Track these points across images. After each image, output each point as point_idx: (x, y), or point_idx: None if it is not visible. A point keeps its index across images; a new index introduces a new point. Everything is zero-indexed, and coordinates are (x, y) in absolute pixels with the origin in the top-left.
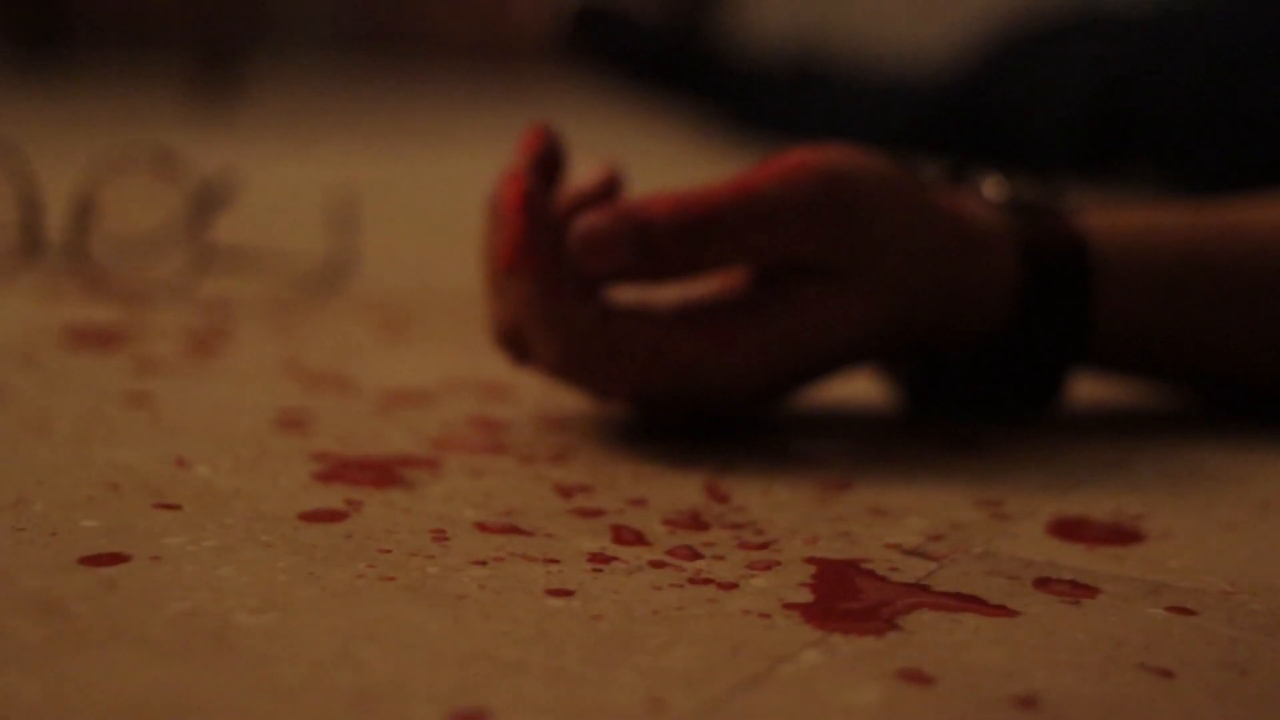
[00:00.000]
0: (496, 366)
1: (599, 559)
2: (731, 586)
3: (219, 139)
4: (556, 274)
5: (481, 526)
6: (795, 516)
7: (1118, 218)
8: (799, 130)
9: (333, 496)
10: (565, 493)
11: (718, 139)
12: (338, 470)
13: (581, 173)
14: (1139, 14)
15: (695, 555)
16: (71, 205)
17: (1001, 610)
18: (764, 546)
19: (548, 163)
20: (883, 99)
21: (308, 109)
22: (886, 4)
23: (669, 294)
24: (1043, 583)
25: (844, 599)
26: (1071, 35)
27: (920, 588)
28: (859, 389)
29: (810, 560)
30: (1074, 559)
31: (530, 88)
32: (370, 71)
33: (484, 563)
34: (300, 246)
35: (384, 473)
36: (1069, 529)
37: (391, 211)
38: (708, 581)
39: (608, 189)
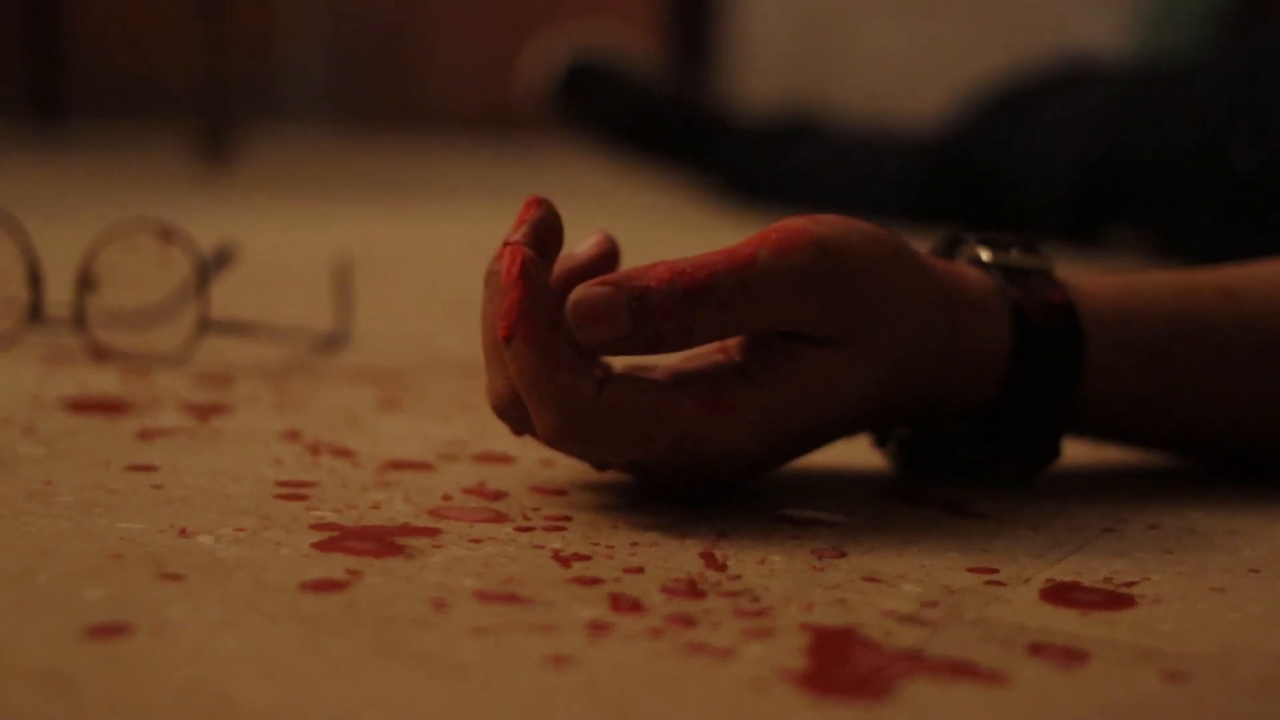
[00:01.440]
0: (495, 435)
1: (597, 627)
2: (728, 654)
3: (219, 206)
4: (554, 344)
5: (481, 595)
6: (791, 584)
7: (1109, 283)
8: (788, 189)
9: (333, 566)
10: (563, 561)
11: (712, 202)
12: (338, 540)
13: (579, 244)
14: (1126, 71)
15: (692, 623)
16: (73, 275)
17: (995, 677)
18: (760, 614)
19: (545, 234)
20: (872, 156)
21: (306, 176)
22: (876, 68)
23: (666, 362)
24: (1036, 649)
25: (839, 666)
26: (1059, 95)
27: (914, 654)
28: (853, 454)
29: (806, 628)
30: (1067, 625)
31: (528, 156)
32: (368, 140)
33: (484, 632)
34: (300, 314)
35: (384, 542)
36: (1062, 594)
37: (390, 278)
38: (704, 649)
39: (604, 260)
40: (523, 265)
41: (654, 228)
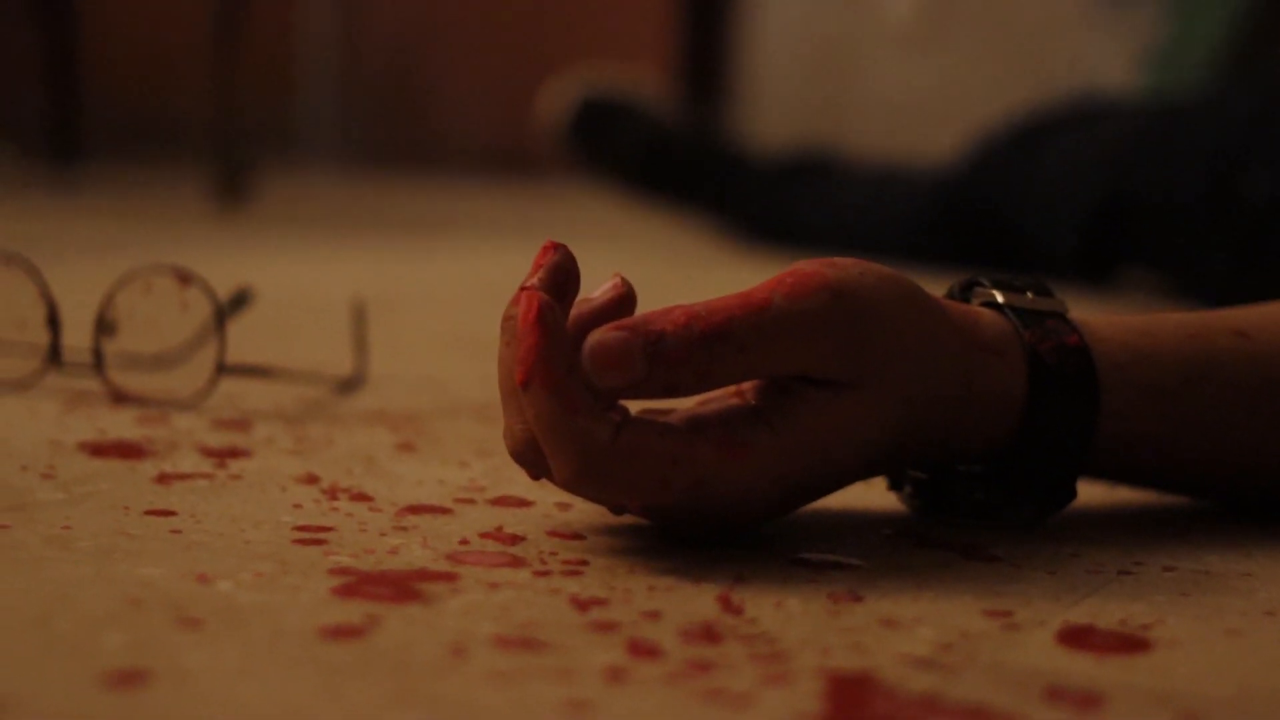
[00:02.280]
0: (512, 479)
1: (615, 673)
2: (746, 700)
3: (236, 246)
4: (571, 389)
5: (499, 641)
6: (807, 628)
7: (1123, 324)
8: (801, 227)
9: (352, 612)
10: (581, 606)
11: (726, 240)
12: (357, 585)
13: (595, 288)
14: (1136, 108)
15: (709, 668)
16: (91, 319)
17: None
18: (777, 659)
19: (562, 279)
20: (885, 194)
21: (322, 215)
22: (887, 108)
23: (682, 405)
24: (1052, 693)
25: (856, 711)
26: (1069, 132)
27: (931, 699)
28: (868, 497)
29: (822, 672)
30: (1083, 668)
31: (543, 193)
32: (383, 178)
33: (502, 677)
34: (316, 355)
35: (402, 587)
36: (1077, 638)
37: (406, 318)
38: (722, 695)
39: (621, 304)
40: (539, 311)
41: (668, 265)
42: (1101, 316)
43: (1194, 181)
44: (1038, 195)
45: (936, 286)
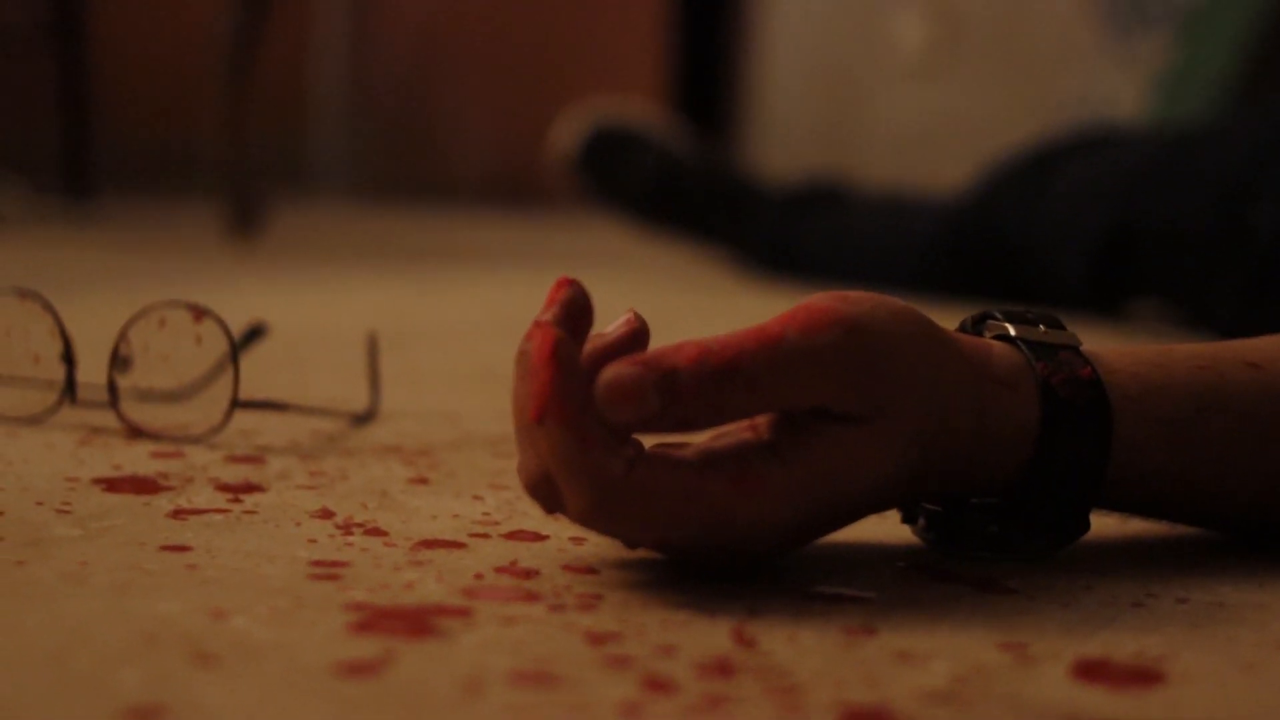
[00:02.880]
0: (526, 513)
1: (630, 707)
2: None
3: (249, 278)
4: (584, 424)
5: (514, 676)
6: (822, 661)
7: (1135, 356)
8: (811, 257)
9: (368, 647)
10: (595, 640)
11: (737, 269)
12: (372, 620)
13: (608, 323)
14: (1144, 138)
15: (724, 702)
16: (106, 354)
17: None
18: (791, 692)
19: (575, 314)
20: (895, 224)
21: (335, 246)
22: (896, 140)
23: (695, 439)
24: None
25: None
26: (1078, 163)
27: None
28: (881, 529)
29: (837, 705)
30: (1097, 701)
31: (554, 223)
32: (395, 210)
33: (517, 712)
34: (330, 387)
35: (417, 622)
36: (1092, 671)
37: (419, 350)
38: None
39: (634, 339)
40: (553, 347)
41: (681, 295)
42: (1113, 348)
43: (1202, 212)
44: (1046, 225)
45: (948, 317)
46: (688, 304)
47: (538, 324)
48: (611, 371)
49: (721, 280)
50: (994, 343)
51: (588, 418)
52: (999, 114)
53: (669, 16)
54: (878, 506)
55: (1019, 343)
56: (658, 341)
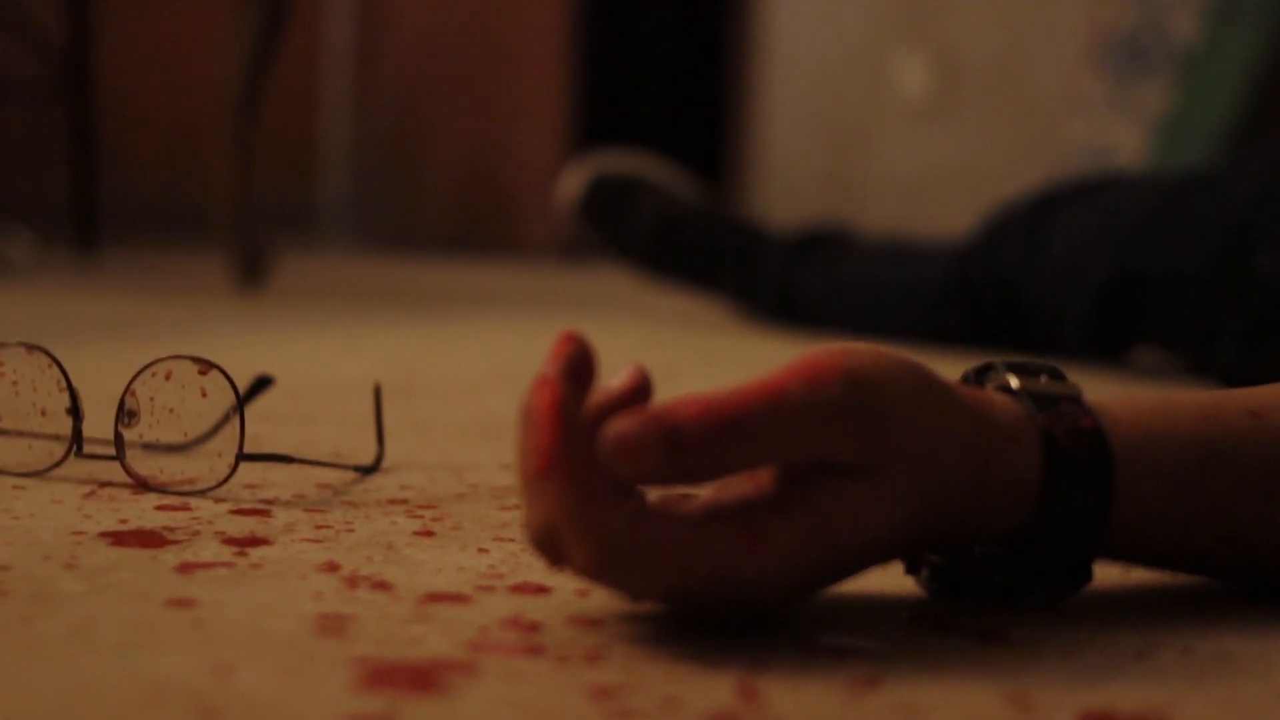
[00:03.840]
0: (531, 565)
1: None
2: None
3: (255, 327)
4: (588, 479)
5: None
6: (826, 714)
7: (1137, 407)
8: (816, 302)
9: (373, 703)
10: (600, 694)
11: (742, 315)
12: (377, 675)
13: (613, 370)
14: (1147, 183)
15: None
16: (112, 406)
17: None
18: None
19: (578, 369)
20: (900, 270)
21: (341, 296)
22: (899, 188)
23: (701, 489)
24: None
25: None
26: (1080, 208)
27: None
28: (885, 580)
29: None
30: None
31: (557, 270)
32: (400, 259)
33: None
34: (336, 438)
35: (423, 677)
36: None
37: (425, 402)
38: None
39: (638, 393)
40: (556, 402)
41: (684, 341)
42: (1115, 399)
43: (1204, 257)
44: (1048, 273)
45: (952, 365)
46: (692, 350)
47: (541, 379)
48: (615, 427)
49: (727, 326)
50: (996, 395)
51: (591, 473)
52: (1002, 161)
53: (670, 61)
54: (881, 559)
55: (1021, 395)
56: (662, 389)
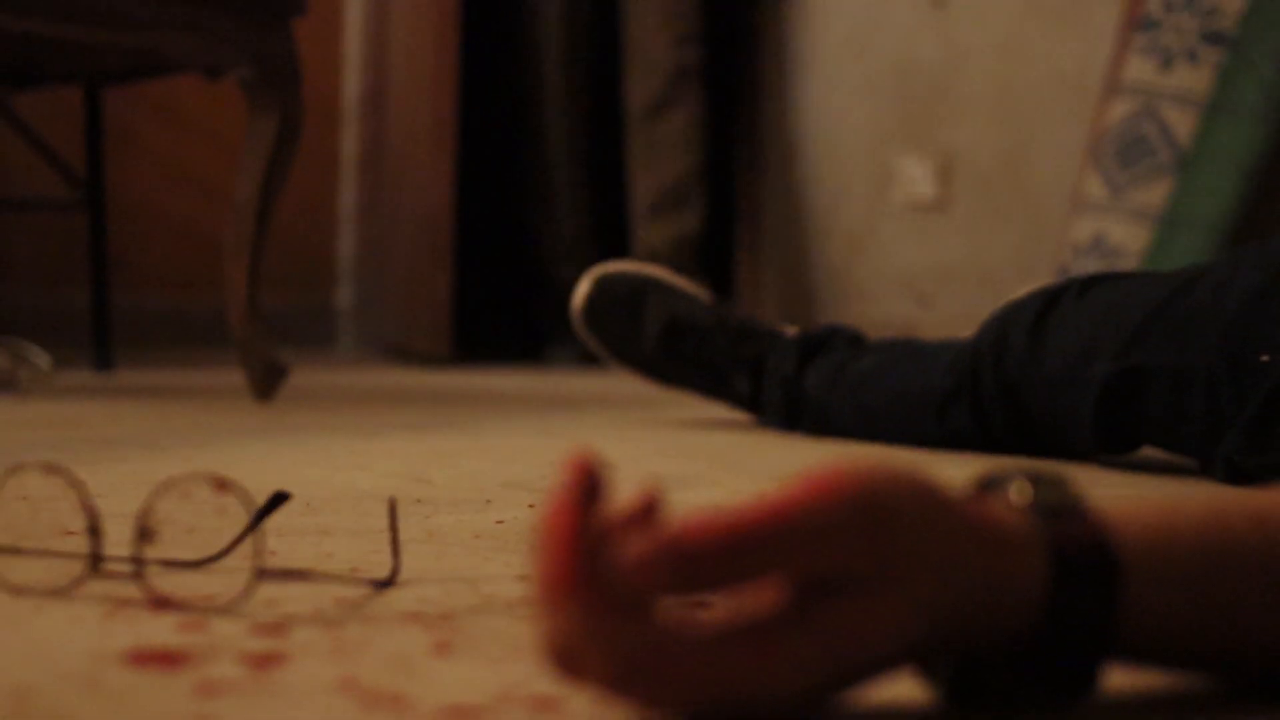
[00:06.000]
0: (548, 679)
1: None
2: None
3: (271, 441)
4: (604, 598)
5: None
6: None
7: (1141, 515)
8: (819, 405)
9: None
10: None
11: (751, 421)
12: None
13: (623, 494)
14: (1147, 279)
15: None
16: (131, 524)
17: None
18: None
19: (591, 486)
20: (903, 370)
21: (355, 407)
22: (901, 287)
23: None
24: None
25: None
26: (1083, 304)
27: None
28: (897, 683)
29: None
30: None
31: (573, 378)
32: (414, 369)
33: None
34: (352, 552)
35: None
36: None
37: (439, 514)
38: None
39: (649, 510)
40: (568, 520)
41: (695, 442)
42: (1120, 505)
43: (1205, 354)
44: (1051, 373)
45: (958, 466)
46: (704, 458)
47: (554, 500)
48: (627, 546)
49: (738, 431)
50: (1001, 507)
51: (605, 590)
52: (1006, 260)
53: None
54: (891, 668)
55: (1026, 508)
56: (676, 497)
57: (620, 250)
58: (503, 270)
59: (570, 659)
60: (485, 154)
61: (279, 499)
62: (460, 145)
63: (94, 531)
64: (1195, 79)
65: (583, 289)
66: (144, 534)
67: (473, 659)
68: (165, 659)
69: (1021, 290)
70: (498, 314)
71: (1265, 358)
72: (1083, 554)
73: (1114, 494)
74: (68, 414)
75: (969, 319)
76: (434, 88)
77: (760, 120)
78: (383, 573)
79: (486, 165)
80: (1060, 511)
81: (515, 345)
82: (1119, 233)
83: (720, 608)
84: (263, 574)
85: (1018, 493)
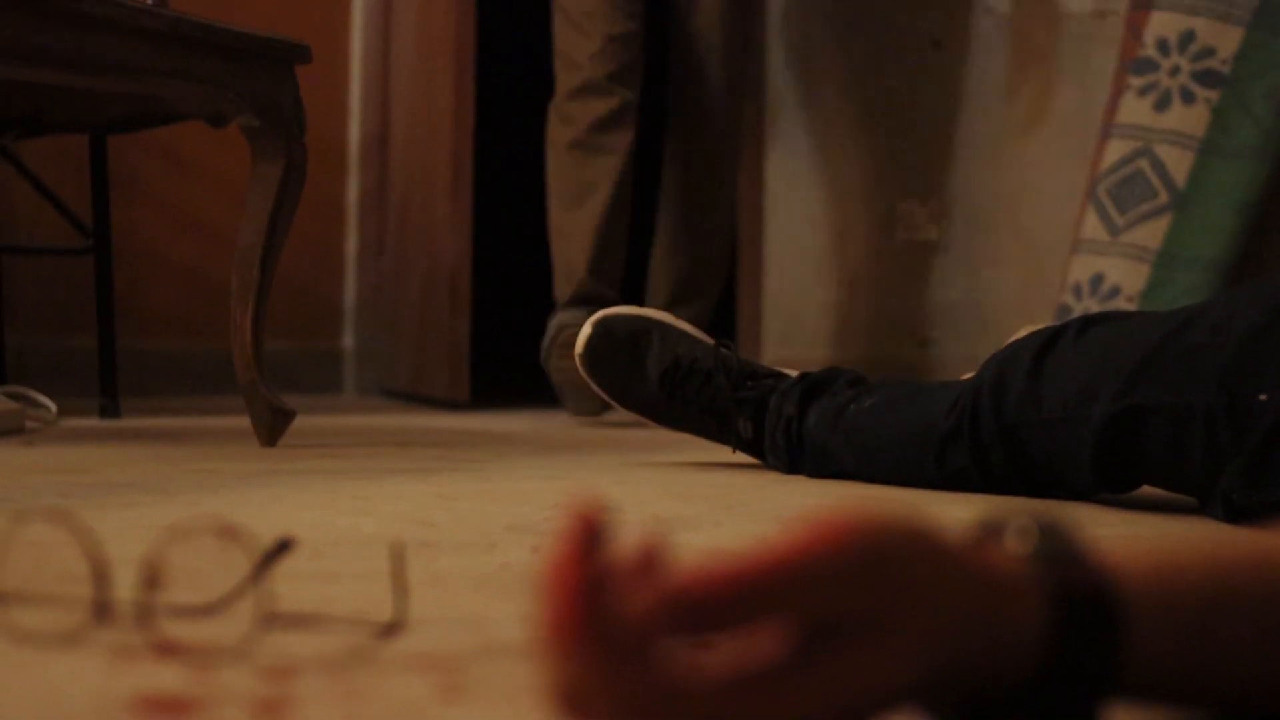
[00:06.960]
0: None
1: None
2: None
3: (277, 486)
4: (610, 644)
5: None
6: None
7: (1141, 558)
8: (821, 446)
9: None
10: None
11: (754, 460)
12: None
13: (627, 537)
14: (1146, 320)
15: None
16: (137, 571)
17: None
18: None
19: (594, 533)
20: (907, 411)
21: (359, 448)
22: (901, 331)
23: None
24: None
25: None
26: (1082, 345)
27: None
28: None
29: None
30: None
31: (567, 427)
32: (420, 411)
33: None
34: (358, 596)
35: None
36: None
37: (444, 556)
38: None
39: (652, 557)
40: (573, 565)
41: (698, 483)
42: (1120, 549)
43: (1203, 396)
44: (1050, 414)
45: (958, 507)
46: (707, 500)
47: (558, 545)
48: (631, 595)
49: (740, 472)
50: (1002, 553)
51: (611, 635)
52: (1004, 301)
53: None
54: (893, 709)
55: (1027, 555)
56: (680, 539)
57: (638, 292)
58: (519, 314)
59: (577, 703)
60: (501, 196)
61: (284, 545)
62: (476, 187)
63: (100, 580)
64: (1191, 119)
65: (584, 332)
66: (150, 580)
67: (480, 703)
68: (171, 706)
69: (1021, 331)
70: (515, 358)
71: (1263, 396)
72: (1084, 601)
73: (1113, 533)
74: (74, 459)
75: (969, 360)
76: (452, 130)
77: (762, 162)
78: (388, 616)
79: (502, 207)
80: (1061, 558)
81: (533, 389)
82: (1117, 273)
83: (723, 649)
84: (268, 620)
85: (1018, 538)
